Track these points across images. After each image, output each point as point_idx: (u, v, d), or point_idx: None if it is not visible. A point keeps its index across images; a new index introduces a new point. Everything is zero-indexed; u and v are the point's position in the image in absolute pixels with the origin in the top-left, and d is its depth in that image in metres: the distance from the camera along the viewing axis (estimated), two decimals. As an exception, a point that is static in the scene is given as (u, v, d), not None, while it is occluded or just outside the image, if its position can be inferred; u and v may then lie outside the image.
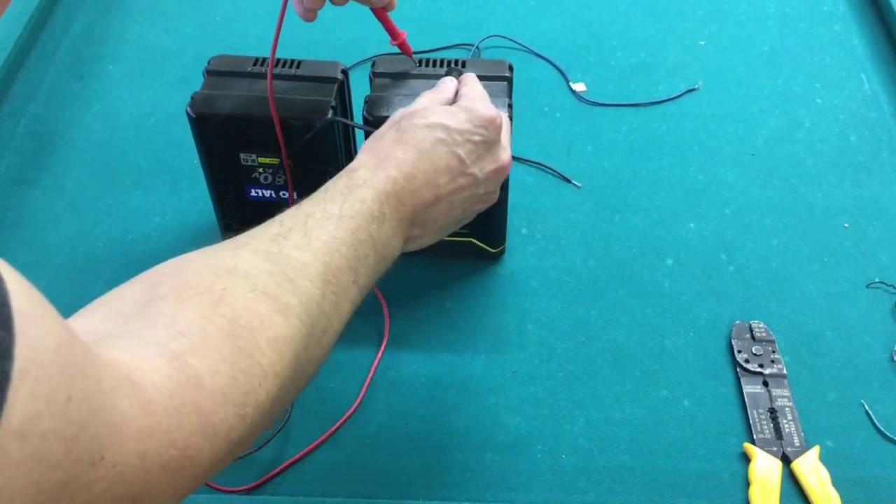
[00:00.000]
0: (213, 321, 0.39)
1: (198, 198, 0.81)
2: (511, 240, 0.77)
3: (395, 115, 0.57)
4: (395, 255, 0.53)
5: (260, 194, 0.71)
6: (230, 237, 0.47)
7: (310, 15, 0.60)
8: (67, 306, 0.72)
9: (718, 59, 0.96)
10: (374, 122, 0.65)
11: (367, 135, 0.58)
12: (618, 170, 0.85)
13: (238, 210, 0.73)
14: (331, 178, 0.52)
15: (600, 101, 0.91)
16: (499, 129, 0.57)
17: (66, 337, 0.30)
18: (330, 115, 0.65)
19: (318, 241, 0.46)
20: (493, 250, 0.75)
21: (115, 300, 0.41)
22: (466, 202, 0.56)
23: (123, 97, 0.93)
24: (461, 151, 0.55)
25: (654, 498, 0.62)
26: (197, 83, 0.69)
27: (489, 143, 0.56)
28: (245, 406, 0.38)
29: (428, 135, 0.54)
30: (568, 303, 0.74)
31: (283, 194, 0.70)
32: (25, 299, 0.28)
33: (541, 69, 0.95)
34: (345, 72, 0.69)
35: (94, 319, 0.39)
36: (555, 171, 0.84)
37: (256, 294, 0.41)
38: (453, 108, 0.57)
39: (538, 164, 0.84)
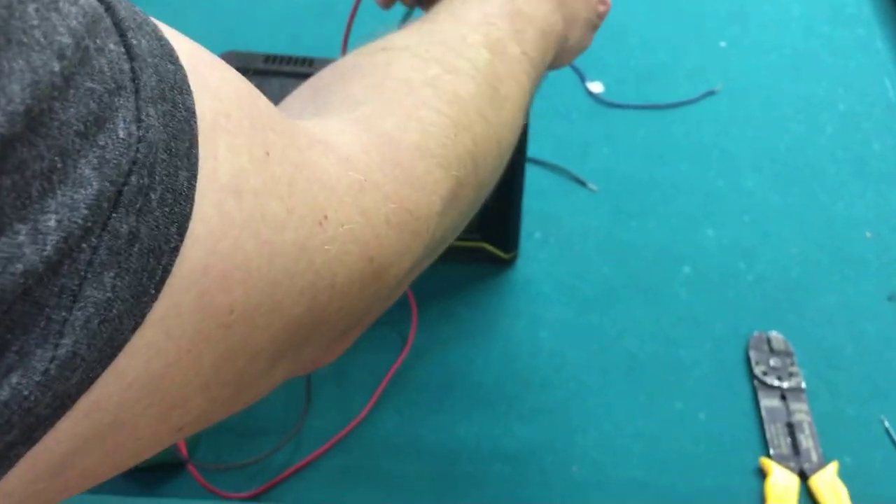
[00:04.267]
0: (387, 85, 0.37)
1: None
2: (524, 244, 0.76)
3: None
4: (556, 37, 0.48)
5: (270, 194, 0.69)
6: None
7: (388, 3, 0.58)
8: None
9: (739, 62, 0.94)
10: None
11: None
12: (634, 173, 0.83)
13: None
14: None
15: (617, 103, 0.89)
16: None
17: (244, 87, 0.26)
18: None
19: (468, 17, 0.43)
20: (506, 255, 0.74)
21: (281, 106, 0.38)
22: (591, 10, 0.53)
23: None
24: None
25: (668, 513, 0.61)
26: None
27: None
28: (445, 157, 0.36)
29: None
30: (581, 310, 0.72)
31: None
32: (187, 44, 0.24)
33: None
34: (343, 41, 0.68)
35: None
36: (570, 173, 0.82)
37: (423, 60, 0.38)
38: None
39: (553, 165, 0.83)
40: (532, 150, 0.82)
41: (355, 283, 0.30)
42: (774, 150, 0.85)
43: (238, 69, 0.66)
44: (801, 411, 0.65)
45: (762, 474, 0.62)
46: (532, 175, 0.81)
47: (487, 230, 0.72)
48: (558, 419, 0.65)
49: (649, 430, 0.65)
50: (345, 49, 0.61)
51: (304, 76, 0.66)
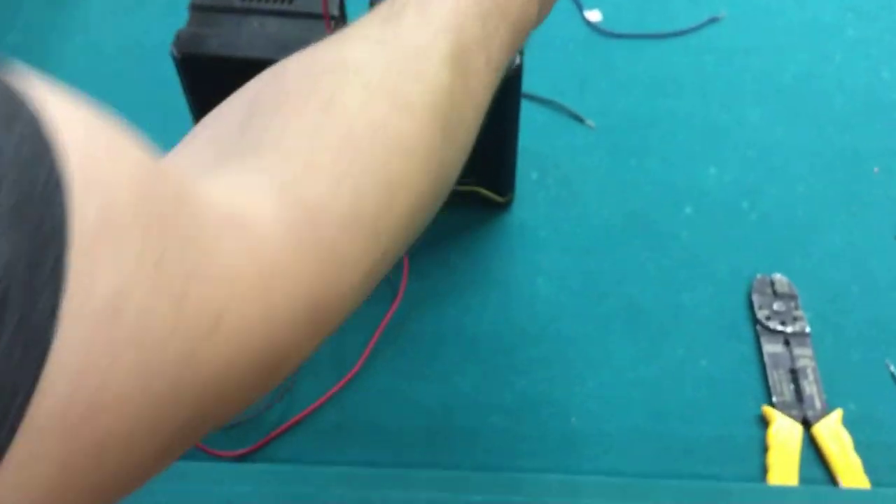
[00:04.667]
0: (324, 131, 0.33)
1: (189, 138, 0.77)
2: (520, 186, 0.73)
3: None
4: (529, 26, 0.45)
5: (253, 140, 0.66)
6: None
7: None
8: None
9: (744, -14, 0.90)
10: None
11: None
12: (634, 108, 0.79)
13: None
14: None
15: (616, 32, 0.85)
16: None
17: (146, 175, 0.23)
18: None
19: (437, 16, 0.39)
20: (502, 199, 0.71)
21: (214, 121, 0.35)
22: None
23: (106, 26, 0.87)
24: None
25: (669, 464, 0.60)
26: (184, 11, 0.63)
27: None
28: (375, 226, 0.33)
29: None
30: (580, 255, 0.70)
31: (278, 140, 0.66)
32: (82, 127, 0.22)
33: (553, -4, 0.89)
34: (342, 7, 0.64)
35: (196, 146, 0.34)
36: (567, 109, 0.79)
37: (372, 91, 0.35)
38: None
39: (549, 101, 0.79)
40: (526, 85, 0.78)
41: (248, 380, 0.28)
42: (780, 81, 0.81)
43: (214, 6, 0.62)
44: (804, 356, 0.63)
45: (764, 422, 0.61)
46: (527, 111, 0.77)
47: (481, 173, 0.69)
48: (556, 370, 0.64)
49: (650, 377, 0.63)
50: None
51: (284, 14, 0.62)
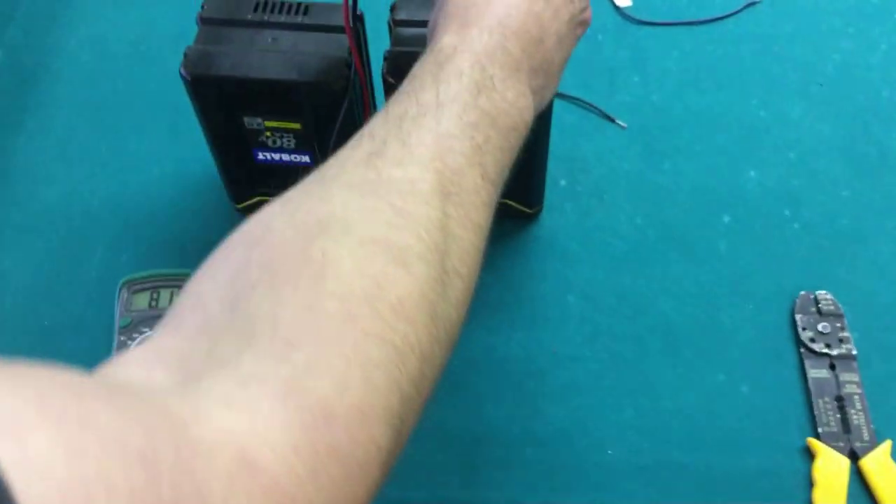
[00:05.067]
0: (321, 310, 0.31)
1: (198, 142, 0.72)
2: (549, 195, 0.69)
3: None
4: (527, 120, 0.43)
5: (269, 157, 0.63)
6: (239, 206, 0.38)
7: None
8: (69, 279, 0.66)
9: (783, -36, 0.84)
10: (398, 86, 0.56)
11: None
12: (668, 105, 0.75)
13: (246, 174, 0.65)
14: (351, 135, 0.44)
15: (648, 20, 0.80)
16: None
17: (141, 484, 0.22)
18: (346, 75, 0.56)
19: (421, 145, 0.37)
20: (531, 211, 0.68)
21: (200, 297, 0.33)
22: (570, 28, 0.47)
23: (110, 17, 0.83)
24: None
25: (709, 498, 0.57)
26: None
27: None
28: (389, 408, 0.31)
29: None
30: (612, 269, 0.67)
31: (297, 157, 0.62)
32: (44, 439, 0.21)
33: (580, -21, 0.84)
34: (360, 18, 0.59)
35: (184, 334, 0.32)
36: (596, 108, 0.75)
37: (364, 247, 0.33)
38: None
39: (577, 99, 0.75)
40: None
41: None
42: (822, 72, 0.77)
43: (226, 20, 0.58)
44: (851, 382, 0.60)
45: (809, 454, 0.58)
46: (555, 112, 0.74)
47: (509, 185, 0.65)
48: (591, 396, 0.61)
49: (688, 406, 0.61)
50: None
51: (299, 28, 0.58)
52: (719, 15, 0.80)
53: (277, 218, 0.34)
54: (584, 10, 0.48)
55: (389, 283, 0.32)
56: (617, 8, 0.81)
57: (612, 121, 0.74)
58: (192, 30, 0.59)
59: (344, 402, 0.29)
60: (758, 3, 0.81)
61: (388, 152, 0.37)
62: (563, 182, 0.71)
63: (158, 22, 0.82)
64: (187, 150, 0.73)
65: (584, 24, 0.49)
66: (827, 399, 0.60)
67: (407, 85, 0.41)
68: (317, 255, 0.32)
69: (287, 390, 0.28)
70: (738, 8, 0.81)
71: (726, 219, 0.69)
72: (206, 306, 0.31)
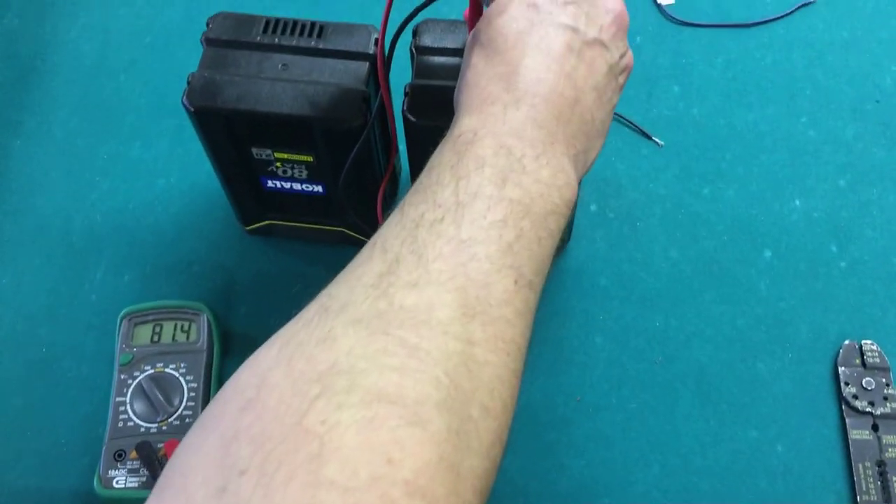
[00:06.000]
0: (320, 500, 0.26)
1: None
2: (578, 221, 0.64)
3: (469, 40, 0.42)
4: (569, 198, 0.38)
5: (279, 186, 0.58)
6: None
7: None
8: (69, 301, 0.62)
9: (842, -42, 0.77)
10: (419, 127, 0.51)
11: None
12: (709, 121, 0.70)
13: (255, 199, 0.60)
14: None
15: (691, 21, 0.74)
16: None
17: None
18: (363, 111, 0.51)
19: (438, 259, 0.33)
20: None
21: (185, 478, 0.28)
22: (609, 78, 0.42)
23: (112, 2, 0.78)
24: (566, 19, 0.40)
25: (737, 568, 0.55)
26: None
27: None
28: None
29: (519, 24, 0.40)
30: (644, 308, 0.62)
31: (308, 187, 0.58)
32: None
33: (619, -29, 0.77)
34: (379, 41, 0.54)
35: None
36: (632, 123, 0.69)
37: (372, 408, 0.28)
38: None
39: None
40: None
41: None
42: (880, 86, 0.71)
43: (232, 41, 0.53)
44: (894, 446, 0.57)
45: (847, 524, 0.55)
46: (587, 125, 0.69)
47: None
48: (616, 449, 0.58)
49: (719, 465, 0.57)
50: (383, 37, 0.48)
51: (312, 52, 0.53)
52: (770, 17, 0.74)
53: (274, 369, 0.30)
54: (623, 54, 0.43)
55: (401, 455, 0.28)
56: (658, 6, 0.75)
57: (649, 138, 0.69)
58: (202, 18, 0.55)
59: None
60: (812, 2, 0.74)
61: (401, 271, 0.33)
62: (593, 207, 0.66)
63: (165, 10, 0.77)
64: (194, 157, 0.68)
65: (626, 70, 0.44)
66: (868, 464, 0.56)
67: (425, 178, 0.37)
68: (315, 426, 0.27)
69: None
70: (792, 9, 0.74)
71: (768, 254, 0.64)
72: (190, 495, 0.27)
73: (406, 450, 0.28)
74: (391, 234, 0.34)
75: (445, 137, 0.38)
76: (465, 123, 0.38)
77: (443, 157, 0.37)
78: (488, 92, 0.39)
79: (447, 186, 0.35)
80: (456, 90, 0.41)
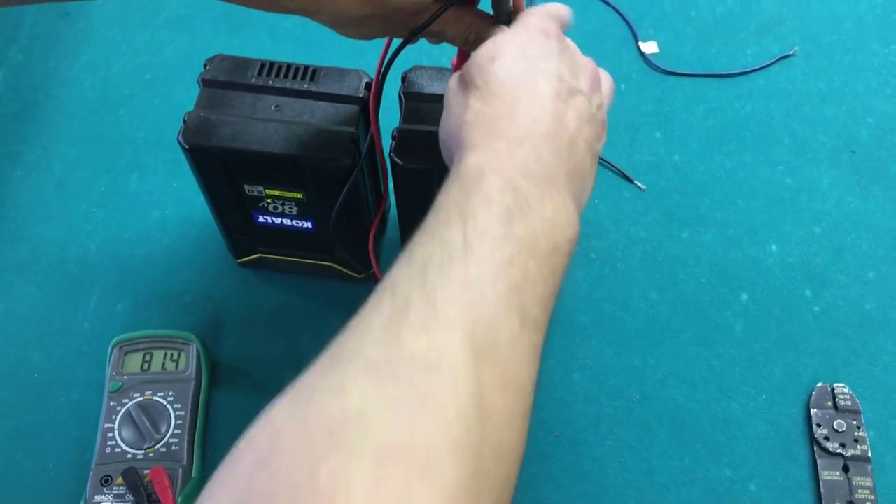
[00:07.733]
0: None
1: (202, 184, 0.71)
2: (561, 261, 0.66)
3: (456, 83, 0.43)
4: (571, 236, 0.39)
5: (270, 221, 0.60)
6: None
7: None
8: (62, 328, 0.64)
9: (821, 13, 0.80)
10: (405, 169, 0.53)
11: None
12: (690, 166, 0.72)
13: (247, 233, 0.62)
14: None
15: (674, 70, 0.77)
16: (557, 33, 0.45)
17: None
18: (352, 152, 0.54)
19: (448, 303, 0.33)
20: (540, 282, 0.65)
21: None
22: (592, 125, 0.44)
23: (115, 41, 0.80)
24: (552, 69, 0.42)
25: None
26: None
27: (564, 49, 0.44)
28: None
29: (512, 70, 0.42)
30: (622, 347, 0.64)
31: (298, 223, 0.60)
32: None
33: (605, 20, 0.80)
34: (369, 85, 0.56)
35: None
36: (615, 167, 0.71)
37: (383, 458, 0.29)
38: (511, 32, 0.44)
39: (597, 155, 0.72)
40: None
41: None
42: (855, 138, 0.73)
43: (228, 83, 0.55)
44: (864, 488, 0.58)
45: (816, 563, 0.56)
46: (572, 168, 0.71)
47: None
48: (594, 484, 0.59)
49: (693, 501, 0.58)
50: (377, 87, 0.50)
51: (305, 95, 0.55)
52: (750, 68, 0.76)
53: (287, 424, 0.30)
54: (600, 109, 0.45)
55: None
56: (643, 55, 0.77)
57: (631, 181, 0.71)
58: (201, 59, 0.57)
59: None
60: (792, 55, 0.77)
61: (411, 315, 0.33)
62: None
63: (165, 50, 0.79)
64: (189, 190, 0.70)
65: (603, 123, 0.46)
66: (838, 504, 0.58)
67: (432, 218, 0.37)
68: (325, 483, 0.28)
69: None
70: (771, 61, 0.77)
71: (744, 297, 0.66)
72: None
73: (417, 502, 0.28)
74: (401, 275, 0.35)
75: (450, 175, 0.39)
76: (471, 160, 0.39)
77: (450, 196, 0.38)
78: (491, 129, 0.40)
79: (455, 227, 0.36)
80: (442, 131, 0.43)
